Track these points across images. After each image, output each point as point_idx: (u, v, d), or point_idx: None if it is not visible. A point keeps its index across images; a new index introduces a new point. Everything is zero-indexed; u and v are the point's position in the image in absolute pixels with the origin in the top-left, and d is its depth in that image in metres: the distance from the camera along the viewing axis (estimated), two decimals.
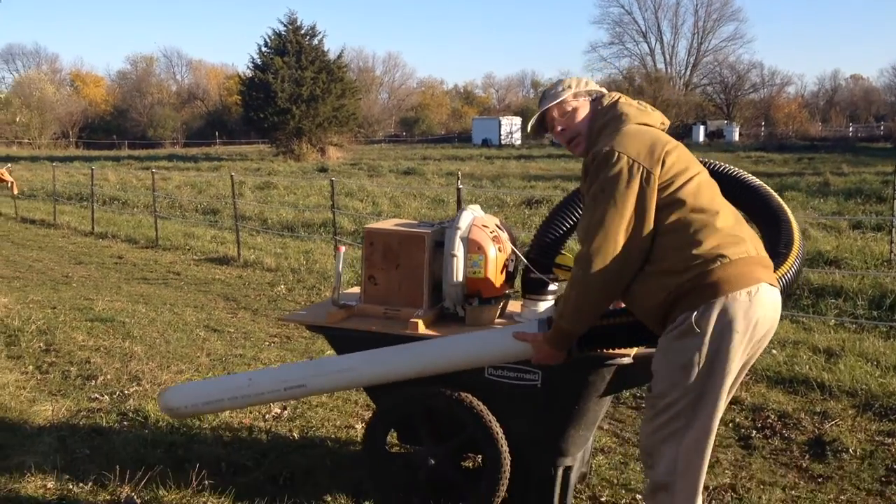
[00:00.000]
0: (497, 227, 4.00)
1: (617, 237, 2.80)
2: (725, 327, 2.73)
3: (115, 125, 77.86)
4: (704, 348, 2.75)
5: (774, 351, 6.66)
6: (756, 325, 2.78)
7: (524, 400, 3.66)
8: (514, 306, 4.17)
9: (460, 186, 8.10)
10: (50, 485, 4.13)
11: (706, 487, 4.00)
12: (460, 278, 3.84)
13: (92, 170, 17.95)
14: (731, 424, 5.21)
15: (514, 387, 3.65)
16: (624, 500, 4.11)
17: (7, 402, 5.42)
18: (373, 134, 77.49)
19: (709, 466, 4.32)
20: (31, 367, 6.32)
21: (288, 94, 45.87)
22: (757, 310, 2.78)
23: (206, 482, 4.12)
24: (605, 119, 3.10)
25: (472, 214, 3.94)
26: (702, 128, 59.20)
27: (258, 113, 46.62)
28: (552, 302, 4.02)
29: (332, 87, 47.49)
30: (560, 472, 3.84)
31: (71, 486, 4.12)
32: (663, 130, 3.22)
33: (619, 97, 3.17)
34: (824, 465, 4.61)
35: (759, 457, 4.73)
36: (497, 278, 3.89)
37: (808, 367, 6.21)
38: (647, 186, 2.81)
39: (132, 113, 79.51)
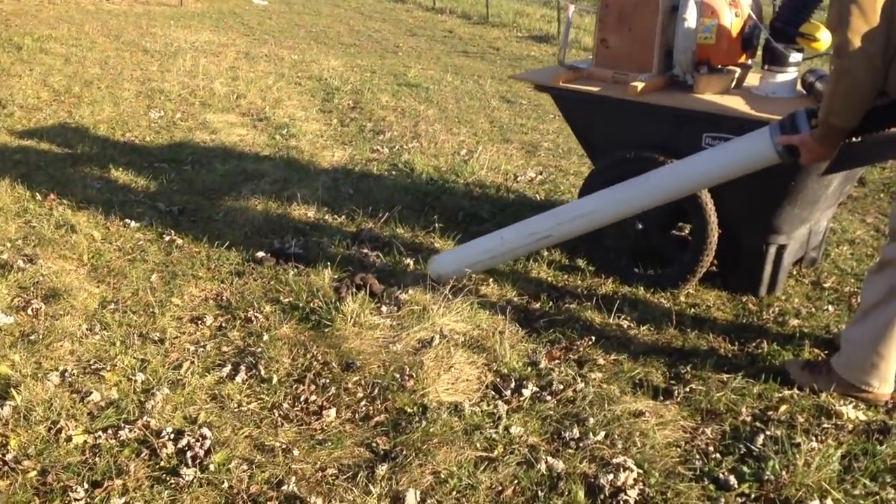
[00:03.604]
0: None
1: (873, 16, 2.54)
2: None
3: None
4: None
5: None
6: None
7: None
8: (753, 79, 3.92)
9: None
10: (311, 213, 4.70)
11: None
12: (690, 44, 3.66)
13: None
14: None
15: None
16: (848, 288, 3.86)
17: (304, 146, 6.12)
18: None
19: None
20: (335, 121, 7.00)
21: None
22: None
23: (437, 225, 4.45)
24: None
25: None
26: None
27: None
28: (794, 74, 3.72)
29: None
30: (772, 249, 3.70)
31: (326, 217, 4.66)
32: None
33: None
34: None
35: None
36: (730, 46, 3.66)
37: None
38: None
39: None
